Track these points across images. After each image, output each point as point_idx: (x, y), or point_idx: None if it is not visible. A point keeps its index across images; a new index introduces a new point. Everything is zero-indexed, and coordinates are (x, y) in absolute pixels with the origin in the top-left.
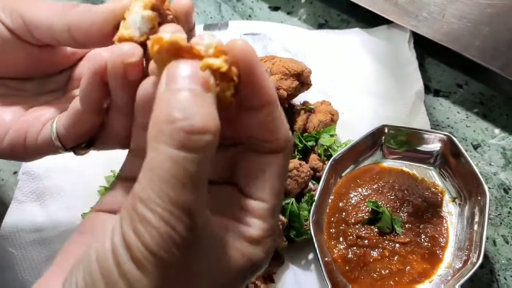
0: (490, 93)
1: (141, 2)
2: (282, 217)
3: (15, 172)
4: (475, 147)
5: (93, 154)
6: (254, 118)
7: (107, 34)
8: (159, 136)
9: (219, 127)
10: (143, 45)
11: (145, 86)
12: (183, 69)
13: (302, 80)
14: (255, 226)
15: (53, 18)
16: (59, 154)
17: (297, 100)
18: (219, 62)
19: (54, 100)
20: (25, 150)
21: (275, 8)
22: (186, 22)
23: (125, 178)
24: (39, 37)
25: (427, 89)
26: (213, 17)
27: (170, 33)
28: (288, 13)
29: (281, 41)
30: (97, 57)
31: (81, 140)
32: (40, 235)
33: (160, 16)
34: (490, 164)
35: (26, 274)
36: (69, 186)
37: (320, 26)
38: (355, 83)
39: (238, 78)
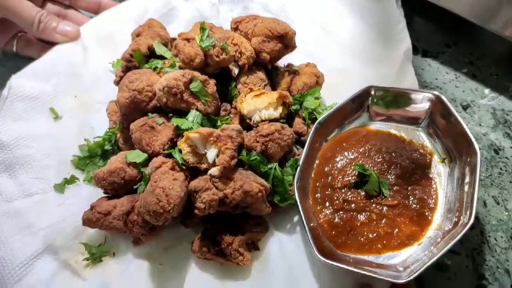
0: (480, 53)
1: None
2: (265, 182)
3: None
4: (465, 108)
5: (65, 121)
6: None
7: None
8: None
9: None
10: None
11: None
12: None
13: (286, 42)
14: None
15: None
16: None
17: (281, 62)
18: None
19: None
20: None
21: None
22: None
23: None
24: None
25: (415, 50)
26: None
27: None
28: None
29: (263, 0)
30: None
31: None
32: (11, 207)
33: None
34: (480, 125)
35: None
36: (40, 155)
37: None
38: (341, 44)
39: None
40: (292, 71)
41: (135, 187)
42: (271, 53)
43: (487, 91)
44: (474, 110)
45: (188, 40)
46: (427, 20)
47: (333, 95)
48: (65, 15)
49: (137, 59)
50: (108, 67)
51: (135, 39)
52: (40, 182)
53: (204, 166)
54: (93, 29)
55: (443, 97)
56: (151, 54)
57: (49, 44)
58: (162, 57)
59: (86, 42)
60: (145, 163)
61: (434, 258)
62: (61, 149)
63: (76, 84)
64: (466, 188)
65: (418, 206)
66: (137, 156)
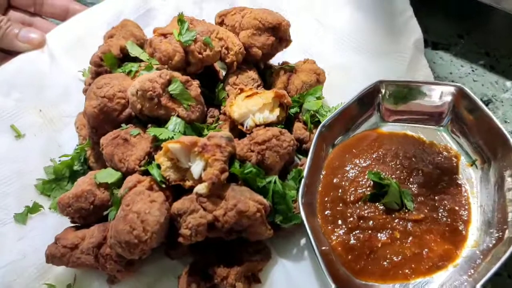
0: (496, 42)
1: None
2: (264, 200)
3: None
4: (486, 103)
5: (28, 139)
6: None
7: None
8: None
9: None
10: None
11: None
12: None
13: (280, 35)
14: None
15: None
16: None
17: (275, 61)
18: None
19: None
20: None
21: None
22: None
23: None
24: None
25: (425, 43)
26: None
27: None
28: None
29: None
30: None
31: None
32: None
33: None
34: (505, 121)
35: None
36: None
37: None
38: (343, 37)
39: None
40: (288, 68)
41: (105, 213)
42: (262, 47)
43: (508, 83)
44: (497, 106)
45: (165, 35)
46: (435, 10)
47: (336, 95)
48: (31, 23)
49: (108, 63)
50: (78, 76)
51: (106, 41)
52: None
53: (188, 183)
54: (61, 35)
55: (466, 89)
56: (125, 57)
57: (12, 54)
58: (137, 60)
59: (53, 50)
60: (119, 183)
61: (478, 286)
62: (24, 172)
63: (41, 96)
64: (509, 195)
65: (449, 219)
66: (108, 175)
